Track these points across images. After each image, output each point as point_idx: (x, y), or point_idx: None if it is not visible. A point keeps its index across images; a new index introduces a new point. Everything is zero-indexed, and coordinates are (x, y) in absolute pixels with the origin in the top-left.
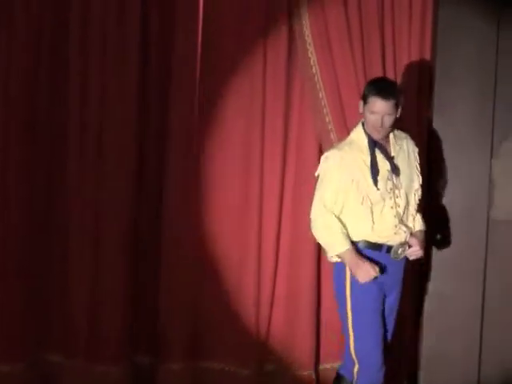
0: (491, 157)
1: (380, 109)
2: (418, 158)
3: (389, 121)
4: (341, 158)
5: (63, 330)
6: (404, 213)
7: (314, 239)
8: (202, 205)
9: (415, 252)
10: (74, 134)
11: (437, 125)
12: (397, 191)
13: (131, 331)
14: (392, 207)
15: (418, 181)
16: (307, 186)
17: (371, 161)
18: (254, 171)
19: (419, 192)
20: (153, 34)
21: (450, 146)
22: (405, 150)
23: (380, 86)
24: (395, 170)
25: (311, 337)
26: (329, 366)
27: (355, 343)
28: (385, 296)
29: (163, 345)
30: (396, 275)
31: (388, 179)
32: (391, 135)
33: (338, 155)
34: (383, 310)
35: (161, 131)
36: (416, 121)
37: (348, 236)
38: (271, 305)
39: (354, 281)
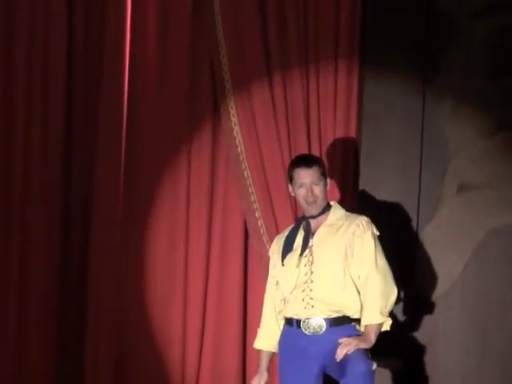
0: (417, 233)
1: (306, 177)
2: (365, 245)
3: (318, 190)
4: (274, 243)
5: None
6: (324, 290)
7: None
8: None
9: (338, 353)
10: None
11: (361, 205)
12: (312, 266)
13: None
14: (305, 282)
15: (349, 265)
16: (232, 270)
17: (286, 238)
18: (178, 260)
19: (361, 279)
20: (76, 133)
21: (375, 220)
22: (339, 232)
23: (300, 158)
24: (305, 246)
25: None
26: None
27: None
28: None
29: None
30: (330, 353)
31: (304, 256)
32: (331, 214)
33: (274, 240)
34: None
35: (84, 229)
36: (340, 198)
37: (272, 335)
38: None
39: (279, 361)
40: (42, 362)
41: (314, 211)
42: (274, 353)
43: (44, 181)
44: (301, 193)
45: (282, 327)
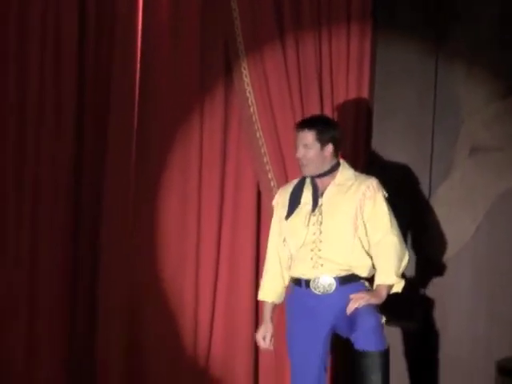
0: (429, 195)
1: (298, 140)
2: (378, 207)
3: (308, 153)
4: (278, 194)
5: None
6: (333, 249)
7: (251, 274)
8: (138, 261)
9: (349, 307)
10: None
11: (373, 167)
12: (321, 226)
13: (68, 366)
14: (314, 242)
15: (358, 226)
16: (244, 232)
17: (291, 193)
18: (191, 211)
19: (373, 240)
20: (88, 91)
21: (387, 186)
22: (348, 192)
23: (301, 120)
24: (315, 203)
25: (249, 374)
26: None
27: None
28: (347, 338)
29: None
30: (339, 312)
31: (312, 214)
32: (339, 174)
33: (278, 192)
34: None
35: (96, 190)
36: (352, 159)
37: (276, 286)
38: (209, 344)
39: (287, 321)
40: (53, 340)
41: (305, 173)
42: (277, 304)
43: (57, 141)
44: (296, 153)
45: (286, 280)
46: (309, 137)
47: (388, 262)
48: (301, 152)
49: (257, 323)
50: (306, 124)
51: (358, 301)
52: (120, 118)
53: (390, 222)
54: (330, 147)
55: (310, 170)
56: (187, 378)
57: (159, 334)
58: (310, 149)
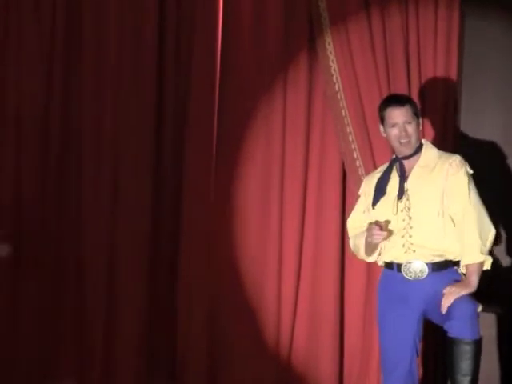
0: None
1: (398, 117)
2: (459, 182)
3: (411, 129)
4: (365, 183)
5: (77, 355)
6: (424, 235)
7: (337, 257)
8: (221, 228)
9: (443, 305)
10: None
11: (462, 142)
12: (410, 212)
13: (148, 355)
14: (404, 228)
15: (443, 204)
16: (329, 209)
17: (378, 181)
18: (273, 195)
19: (457, 217)
20: (169, 67)
21: (477, 158)
22: (433, 173)
23: (391, 97)
24: (402, 190)
25: (334, 360)
26: None
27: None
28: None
29: (181, 369)
30: (431, 298)
31: (399, 200)
32: (423, 155)
33: (364, 180)
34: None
35: (177, 164)
36: (441, 136)
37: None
38: (292, 329)
39: (378, 305)
40: (133, 315)
41: (407, 151)
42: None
43: (138, 118)
44: (393, 133)
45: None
46: (409, 112)
47: (470, 239)
48: (402, 128)
49: (342, 309)
50: (402, 100)
51: (450, 296)
52: (201, 95)
53: (469, 196)
54: (421, 120)
55: (411, 146)
56: (269, 370)
57: (239, 321)
58: (410, 124)
